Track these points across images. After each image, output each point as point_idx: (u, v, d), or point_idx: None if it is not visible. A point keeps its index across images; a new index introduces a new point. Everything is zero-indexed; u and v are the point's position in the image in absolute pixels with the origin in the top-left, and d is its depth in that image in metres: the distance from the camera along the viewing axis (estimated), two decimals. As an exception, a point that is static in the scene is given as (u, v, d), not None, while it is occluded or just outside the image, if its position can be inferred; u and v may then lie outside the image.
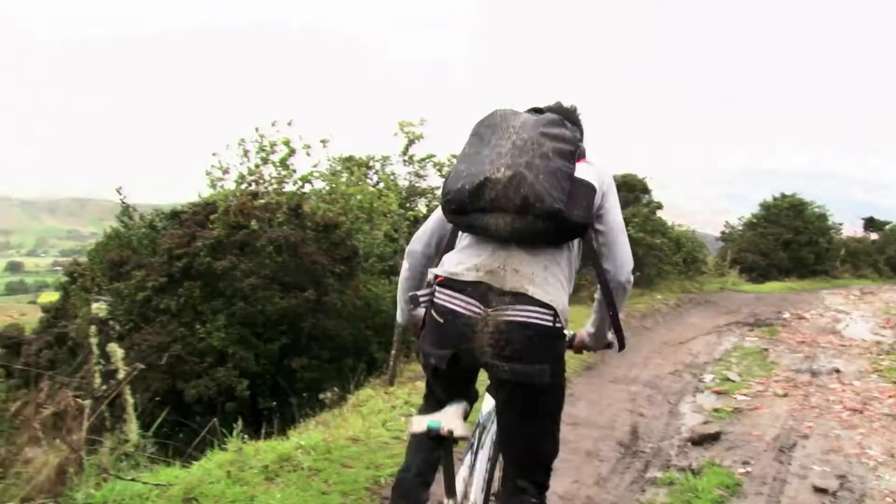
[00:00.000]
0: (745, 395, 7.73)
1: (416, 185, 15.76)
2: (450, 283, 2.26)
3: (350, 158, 15.70)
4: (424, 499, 2.40)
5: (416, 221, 15.20)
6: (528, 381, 2.21)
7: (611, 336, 2.68)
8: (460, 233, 2.39)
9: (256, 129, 11.95)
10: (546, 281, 2.22)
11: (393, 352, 10.27)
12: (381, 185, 14.38)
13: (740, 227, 31.33)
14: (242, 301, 10.24)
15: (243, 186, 11.78)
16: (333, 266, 11.26)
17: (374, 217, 12.61)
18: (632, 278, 2.42)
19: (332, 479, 4.47)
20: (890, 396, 7.86)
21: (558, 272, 2.27)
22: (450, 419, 2.14)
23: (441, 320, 2.25)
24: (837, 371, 9.10)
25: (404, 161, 15.45)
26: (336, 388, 9.26)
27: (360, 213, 12.73)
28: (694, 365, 9.32)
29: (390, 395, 6.99)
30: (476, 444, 2.58)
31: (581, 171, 2.23)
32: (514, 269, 2.21)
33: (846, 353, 10.53)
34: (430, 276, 2.47)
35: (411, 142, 15.12)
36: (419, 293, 2.38)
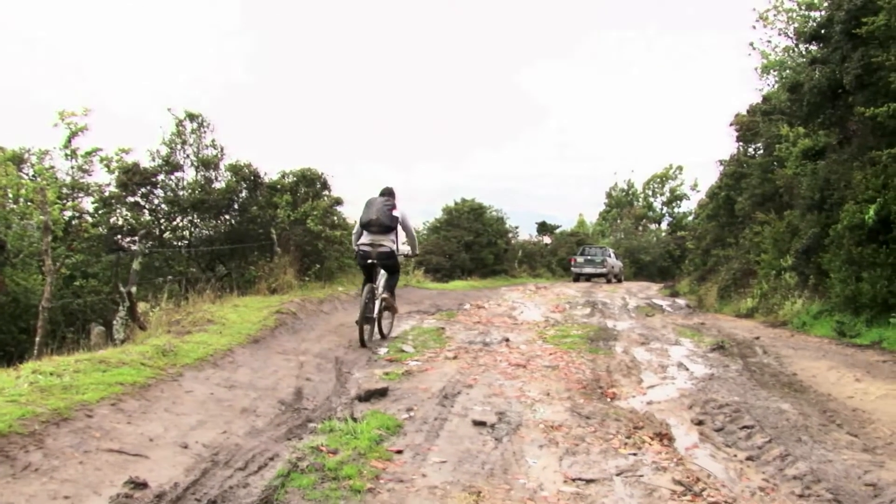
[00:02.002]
0: (417, 360, 8.19)
1: (81, 179, 14.49)
2: (361, 244, 9.17)
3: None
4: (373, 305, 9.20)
5: (81, 215, 13.92)
6: (390, 266, 9.38)
7: (411, 252, 10.64)
8: (363, 230, 9.19)
9: None
10: (389, 242, 9.13)
11: (38, 339, 9.25)
12: (39, 178, 13.18)
13: (425, 231, 33.51)
14: None
15: None
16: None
17: (27, 210, 11.66)
18: (416, 247, 10.51)
19: None
20: (550, 354, 8.99)
21: (392, 240, 9.14)
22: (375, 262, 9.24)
23: (363, 252, 9.15)
24: (507, 340, 10.11)
25: (66, 155, 14.17)
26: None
27: (6, 203, 11.62)
28: (372, 341, 9.59)
29: (18, 369, 6.13)
30: (381, 282, 9.38)
31: (396, 211, 9.11)
32: (380, 238, 9.07)
33: (517, 329, 11.78)
34: (355, 244, 9.38)
35: (74, 134, 13.98)
36: (357, 249, 9.37)
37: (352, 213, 20.19)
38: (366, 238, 9.12)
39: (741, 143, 25.63)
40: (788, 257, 16.58)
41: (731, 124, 25.55)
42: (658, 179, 61.00)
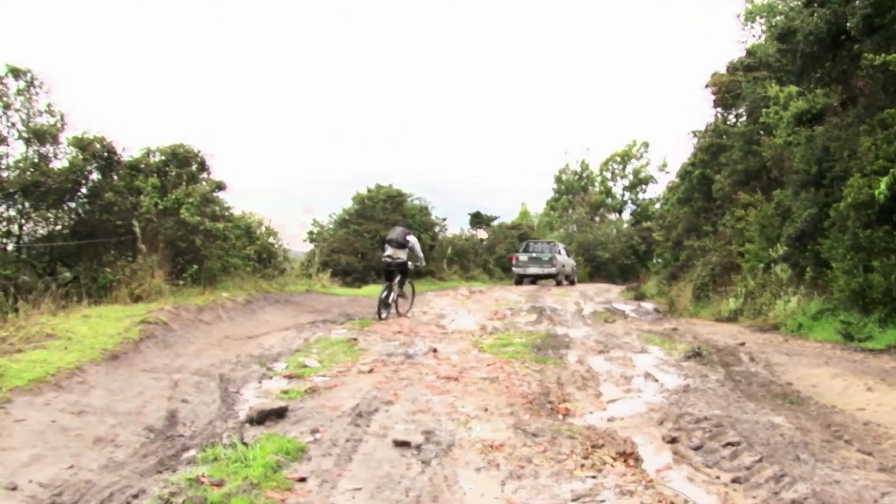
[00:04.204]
0: (323, 376, 8.23)
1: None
2: (385, 255, 16.09)
3: None
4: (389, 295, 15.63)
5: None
6: (403, 270, 16.00)
7: (421, 265, 17.66)
8: (386, 245, 16.26)
9: None
10: (402, 254, 15.85)
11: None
12: None
13: (331, 226, 33.30)
14: None
15: None
16: None
17: None
18: (422, 261, 17.37)
19: None
20: (488, 365, 9.14)
21: (404, 253, 15.86)
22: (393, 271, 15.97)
23: (387, 260, 16.09)
24: (435, 351, 10.24)
25: None
26: None
27: None
28: (265, 356, 9.71)
29: None
30: (395, 281, 15.77)
31: (409, 236, 16.23)
32: (397, 252, 15.75)
33: (447, 339, 11.95)
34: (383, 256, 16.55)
35: None
36: (382, 258, 16.65)
37: (238, 202, 19.90)
38: (388, 251, 15.84)
39: (719, 109, 26.03)
40: (779, 246, 16.91)
41: (706, 86, 25.87)
42: (618, 159, 61.88)
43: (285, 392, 7.38)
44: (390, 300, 15.68)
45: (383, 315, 15.20)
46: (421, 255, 16.90)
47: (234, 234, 17.27)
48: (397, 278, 15.93)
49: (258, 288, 16.93)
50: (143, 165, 15.76)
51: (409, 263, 16.42)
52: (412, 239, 16.28)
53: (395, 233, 16.29)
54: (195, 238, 15.20)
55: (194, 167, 16.98)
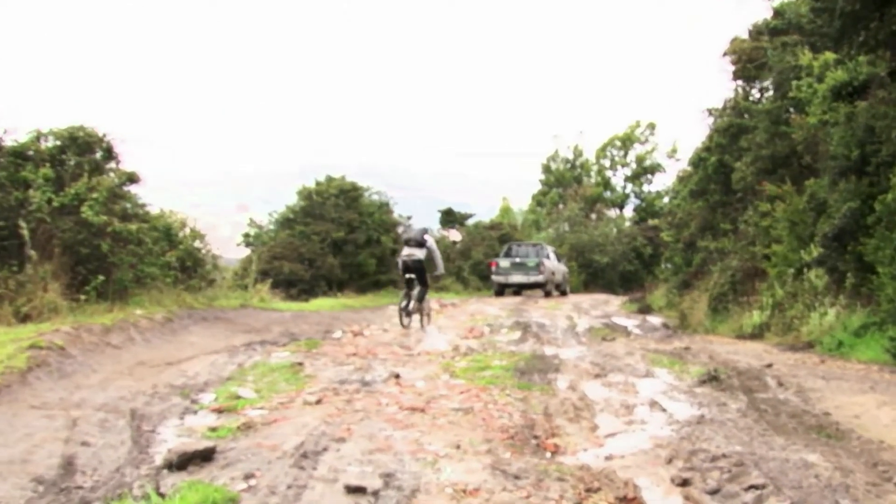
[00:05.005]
0: (260, 409, 8.23)
1: None
2: (402, 256, 18.28)
3: None
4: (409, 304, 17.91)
5: None
6: (420, 269, 17.91)
7: (441, 273, 20.00)
8: (404, 245, 18.87)
9: None
10: (420, 253, 17.95)
11: None
12: None
13: (272, 226, 33.20)
14: None
15: None
16: None
17: None
18: (441, 268, 19.40)
19: None
20: (462, 393, 9.21)
21: (422, 252, 17.96)
22: (412, 279, 18.03)
23: (403, 262, 18.18)
24: (397, 376, 10.29)
25: None
26: None
27: None
28: (188, 386, 9.70)
29: None
30: (415, 291, 17.89)
31: (426, 236, 18.63)
32: (413, 251, 17.95)
33: (413, 362, 12.03)
34: (398, 259, 19.00)
35: None
36: (399, 261, 18.92)
37: (156, 198, 19.80)
38: (405, 251, 17.91)
39: (740, 83, 26.14)
40: (813, 248, 17.00)
41: (725, 54, 25.94)
42: (618, 143, 62.17)
43: (213, 429, 7.35)
44: (411, 307, 17.83)
45: (406, 323, 17.72)
46: (440, 260, 19.05)
47: (151, 238, 17.18)
48: (416, 289, 17.87)
49: (181, 303, 16.87)
50: (31, 152, 15.61)
51: (430, 274, 18.63)
52: (429, 239, 18.48)
53: (413, 231, 19.40)
54: (101, 242, 15.08)
55: (99, 155, 16.86)
